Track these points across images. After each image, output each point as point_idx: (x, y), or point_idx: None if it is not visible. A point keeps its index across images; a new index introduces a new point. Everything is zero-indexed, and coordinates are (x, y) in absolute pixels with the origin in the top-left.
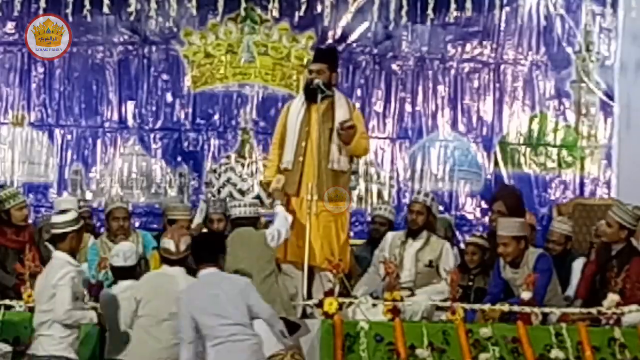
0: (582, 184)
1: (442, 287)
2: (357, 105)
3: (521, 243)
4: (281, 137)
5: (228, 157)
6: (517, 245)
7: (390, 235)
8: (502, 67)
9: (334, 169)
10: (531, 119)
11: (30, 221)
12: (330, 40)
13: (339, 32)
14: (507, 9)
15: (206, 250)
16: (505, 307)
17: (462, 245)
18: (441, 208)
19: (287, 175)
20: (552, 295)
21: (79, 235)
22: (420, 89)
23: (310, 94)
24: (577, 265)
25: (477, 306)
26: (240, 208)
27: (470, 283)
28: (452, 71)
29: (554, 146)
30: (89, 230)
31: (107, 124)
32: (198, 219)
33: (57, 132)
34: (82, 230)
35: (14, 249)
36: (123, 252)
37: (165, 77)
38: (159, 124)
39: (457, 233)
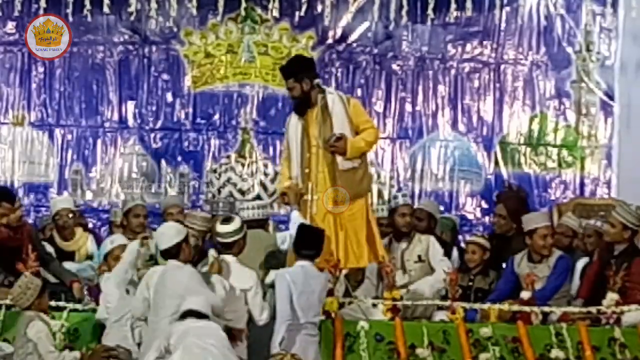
0: (582, 184)
1: (438, 275)
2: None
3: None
4: (288, 150)
5: (228, 157)
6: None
7: None
8: (502, 67)
9: (345, 169)
10: (531, 119)
11: (30, 221)
12: (330, 40)
13: (339, 32)
14: (508, 8)
15: (309, 244)
16: (505, 306)
17: (462, 245)
18: (442, 208)
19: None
20: (562, 296)
21: (244, 240)
22: (420, 88)
23: (296, 108)
24: (580, 265)
25: (477, 305)
26: (249, 210)
27: (470, 283)
28: (453, 71)
29: (554, 146)
30: (85, 228)
31: (107, 124)
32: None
33: (58, 132)
34: (246, 235)
35: (12, 247)
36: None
37: (165, 77)
38: (159, 124)
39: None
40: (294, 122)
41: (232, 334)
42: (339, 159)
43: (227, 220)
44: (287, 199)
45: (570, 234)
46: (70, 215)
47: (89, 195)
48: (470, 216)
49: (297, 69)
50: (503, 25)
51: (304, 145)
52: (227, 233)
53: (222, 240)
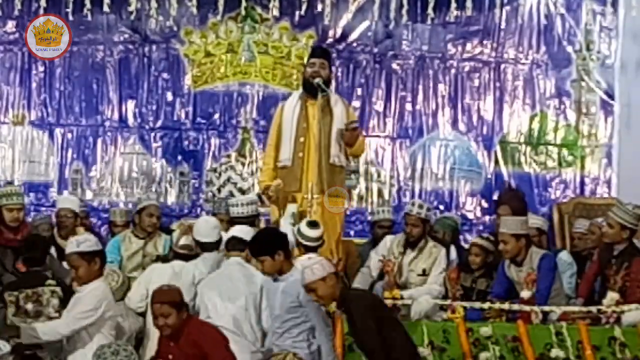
0: (582, 183)
1: (430, 288)
2: (357, 104)
3: (521, 241)
4: (277, 138)
5: (228, 156)
6: (517, 243)
7: (389, 239)
8: (502, 66)
9: (335, 164)
10: (531, 118)
11: (29, 219)
12: (330, 39)
13: (339, 31)
14: (508, 8)
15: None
16: (505, 306)
17: (462, 244)
18: (442, 207)
19: (286, 172)
20: (556, 294)
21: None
22: (420, 88)
23: (311, 88)
24: (564, 257)
25: (477, 304)
26: (238, 208)
27: (473, 285)
28: (453, 70)
29: (555, 145)
30: (88, 229)
31: (107, 123)
32: None
33: (58, 131)
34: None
35: (11, 247)
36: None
37: (165, 76)
38: (159, 123)
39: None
40: (291, 104)
41: None
42: (332, 151)
43: (313, 224)
44: (272, 195)
45: (534, 233)
46: (70, 215)
47: (89, 195)
48: (470, 215)
49: (331, 59)
50: (503, 24)
51: (299, 129)
52: (314, 238)
53: (309, 244)
